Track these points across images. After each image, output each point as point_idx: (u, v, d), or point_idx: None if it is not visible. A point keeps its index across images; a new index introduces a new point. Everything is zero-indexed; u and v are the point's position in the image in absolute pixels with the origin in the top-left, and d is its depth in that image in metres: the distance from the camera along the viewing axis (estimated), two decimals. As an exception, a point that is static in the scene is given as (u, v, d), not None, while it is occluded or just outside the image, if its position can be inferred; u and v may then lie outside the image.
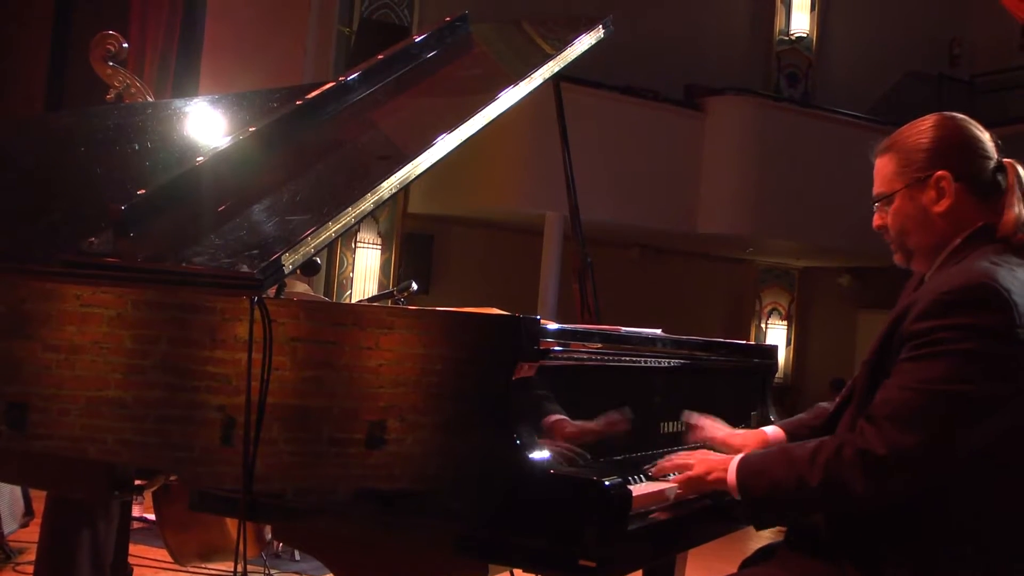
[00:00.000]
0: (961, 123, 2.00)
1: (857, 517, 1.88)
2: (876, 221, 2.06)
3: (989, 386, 1.74)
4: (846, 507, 1.85)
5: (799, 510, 1.93)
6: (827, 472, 1.78)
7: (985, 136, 1.99)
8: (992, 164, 1.97)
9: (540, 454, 1.76)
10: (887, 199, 2.01)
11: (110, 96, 3.70)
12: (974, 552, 1.81)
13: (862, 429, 1.80)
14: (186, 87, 7.40)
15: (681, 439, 2.39)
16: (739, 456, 1.96)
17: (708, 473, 1.97)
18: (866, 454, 1.76)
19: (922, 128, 2.00)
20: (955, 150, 1.97)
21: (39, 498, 3.72)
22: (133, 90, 3.72)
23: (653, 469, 2.08)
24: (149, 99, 3.75)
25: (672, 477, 2.06)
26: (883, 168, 2.03)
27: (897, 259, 2.06)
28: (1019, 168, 1.96)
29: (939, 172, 1.94)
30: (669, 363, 2.41)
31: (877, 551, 1.85)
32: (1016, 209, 1.93)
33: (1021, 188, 1.95)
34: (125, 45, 3.74)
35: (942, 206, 1.94)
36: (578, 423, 2.02)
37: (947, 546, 1.81)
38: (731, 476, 1.92)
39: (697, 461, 2.01)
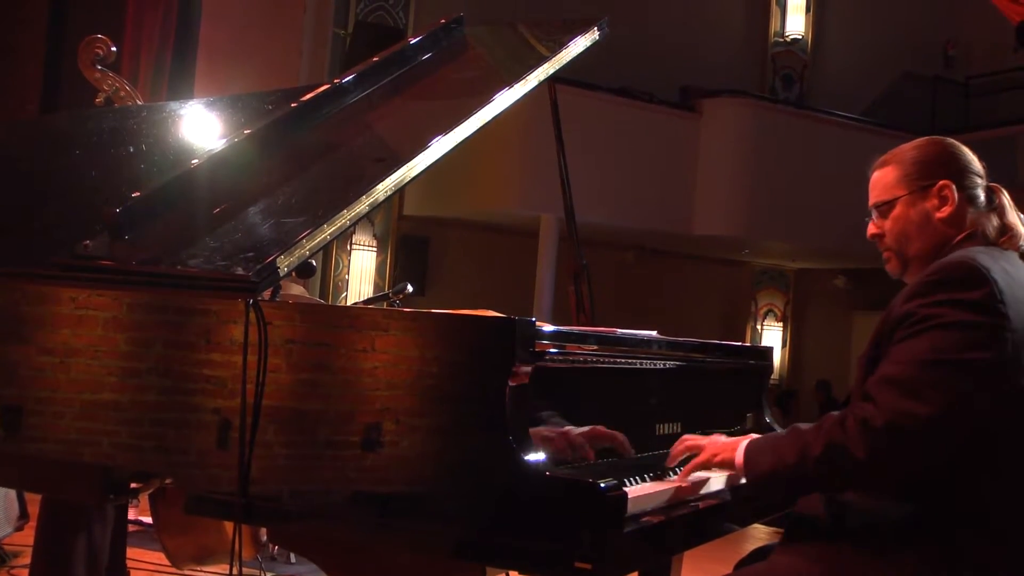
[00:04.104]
0: (955, 144, 2.13)
1: (857, 508, 1.90)
2: (871, 230, 2.14)
3: (975, 355, 1.80)
4: (847, 477, 1.87)
5: (802, 483, 1.95)
6: (829, 441, 1.83)
7: (975, 158, 2.12)
8: (983, 183, 2.09)
9: (535, 456, 1.76)
10: (888, 205, 2.09)
11: (99, 100, 3.70)
12: (976, 537, 1.82)
13: (862, 404, 1.85)
14: (181, 90, 7.40)
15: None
16: (748, 438, 2.02)
17: (714, 456, 2.04)
18: (866, 422, 1.80)
19: (919, 144, 2.12)
20: (953, 163, 2.08)
21: (34, 501, 3.71)
22: (123, 94, 3.72)
23: (667, 460, 2.13)
24: (138, 102, 3.75)
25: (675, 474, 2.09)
26: (883, 178, 2.12)
27: (891, 268, 2.13)
28: (1004, 191, 2.10)
29: (943, 181, 2.05)
30: (665, 365, 2.41)
31: (878, 542, 1.86)
32: (1008, 218, 2.06)
33: (1010, 205, 2.08)
34: (113, 49, 3.74)
35: (944, 212, 2.04)
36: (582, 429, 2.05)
37: (950, 534, 1.82)
38: (739, 456, 1.99)
39: (707, 445, 2.07)
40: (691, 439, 2.12)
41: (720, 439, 2.10)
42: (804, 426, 1.95)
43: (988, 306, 1.82)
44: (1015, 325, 1.83)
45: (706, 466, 2.06)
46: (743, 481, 2.03)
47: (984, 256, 1.90)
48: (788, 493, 2.03)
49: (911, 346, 1.84)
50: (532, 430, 1.91)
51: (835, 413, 1.89)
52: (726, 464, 2.02)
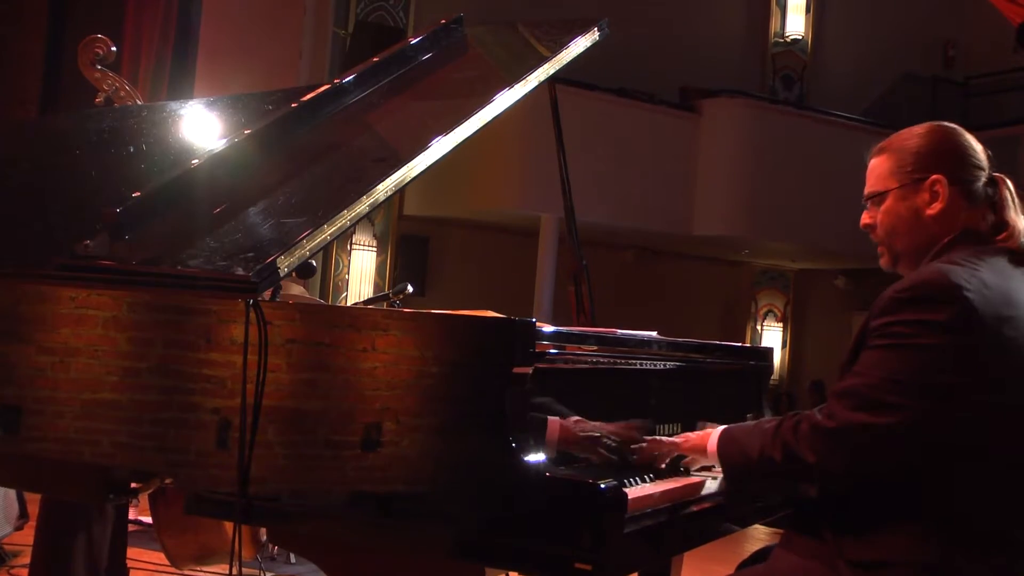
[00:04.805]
0: (958, 132, 2.05)
1: (854, 514, 1.90)
2: (864, 219, 2.10)
3: (934, 379, 1.79)
4: (802, 478, 1.93)
5: (766, 480, 2.00)
6: (785, 444, 1.88)
7: (979, 147, 2.04)
8: (984, 175, 2.01)
9: (535, 456, 1.76)
10: (879, 197, 2.05)
11: (99, 99, 3.70)
12: (971, 544, 1.82)
13: (820, 409, 1.89)
14: (181, 89, 7.39)
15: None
16: (721, 427, 2.05)
17: (685, 441, 2.10)
18: (817, 427, 1.85)
19: (919, 132, 2.05)
20: (951, 156, 2.01)
21: (34, 501, 3.72)
22: (123, 93, 3.72)
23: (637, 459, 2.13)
24: (138, 102, 3.75)
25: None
26: (877, 167, 2.07)
27: (883, 262, 2.10)
28: (1009, 182, 2.02)
29: (935, 176, 1.98)
30: (665, 365, 2.41)
31: (877, 543, 1.86)
32: (1007, 214, 1.98)
33: (1012, 199, 2.00)
34: (113, 48, 3.73)
35: (934, 209, 1.98)
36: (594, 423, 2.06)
37: (947, 538, 1.82)
38: (711, 445, 2.03)
39: (673, 440, 2.13)
40: (656, 440, 2.14)
41: (691, 436, 2.13)
42: (765, 422, 1.98)
43: (955, 327, 1.79)
44: (985, 342, 1.81)
45: (681, 457, 2.11)
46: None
47: (962, 270, 1.85)
48: (754, 484, 2.05)
49: (873, 360, 1.84)
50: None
51: (793, 414, 1.92)
52: (697, 451, 2.07)
